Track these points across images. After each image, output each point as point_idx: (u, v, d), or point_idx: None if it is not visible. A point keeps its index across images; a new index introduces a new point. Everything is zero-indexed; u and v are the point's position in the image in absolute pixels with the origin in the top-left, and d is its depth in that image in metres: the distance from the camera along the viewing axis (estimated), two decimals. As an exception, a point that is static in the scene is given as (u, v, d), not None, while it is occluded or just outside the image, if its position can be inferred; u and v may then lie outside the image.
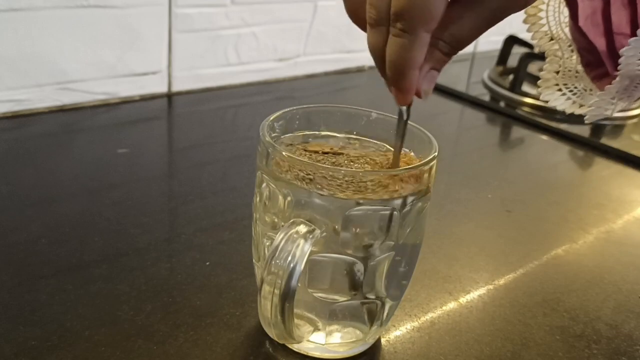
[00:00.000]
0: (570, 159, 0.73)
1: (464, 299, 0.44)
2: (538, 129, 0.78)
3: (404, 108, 0.31)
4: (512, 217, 0.56)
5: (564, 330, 0.41)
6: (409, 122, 0.33)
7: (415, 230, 0.34)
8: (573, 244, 0.53)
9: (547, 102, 0.39)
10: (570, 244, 0.52)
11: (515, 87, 0.87)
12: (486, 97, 0.89)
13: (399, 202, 0.32)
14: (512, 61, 0.94)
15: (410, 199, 0.32)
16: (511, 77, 0.90)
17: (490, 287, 0.45)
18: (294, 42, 0.86)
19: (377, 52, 0.29)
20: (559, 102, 0.39)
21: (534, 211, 0.58)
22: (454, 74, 0.94)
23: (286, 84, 0.87)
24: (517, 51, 0.94)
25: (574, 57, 0.38)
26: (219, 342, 0.37)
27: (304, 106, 0.37)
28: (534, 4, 0.40)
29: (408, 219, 0.32)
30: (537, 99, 0.85)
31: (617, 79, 0.33)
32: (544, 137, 0.77)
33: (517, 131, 0.80)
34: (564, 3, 0.38)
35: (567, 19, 0.38)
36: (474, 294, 0.44)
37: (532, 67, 0.90)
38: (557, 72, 0.39)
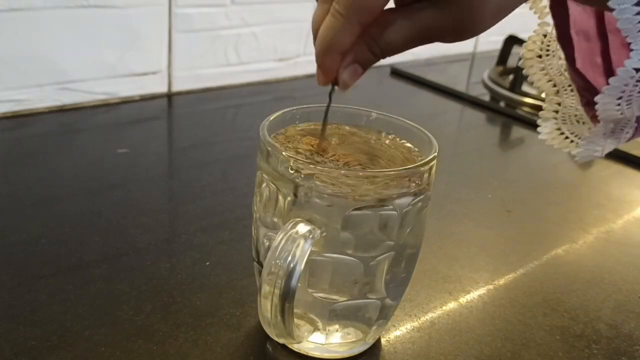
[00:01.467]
0: (570, 159, 0.73)
1: (464, 299, 0.44)
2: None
3: (331, 89, 0.32)
4: (512, 217, 0.56)
5: (564, 330, 0.41)
6: (411, 122, 0.33)
7: (415, 230, 0.34)
8: (573, 244, 0.53)
9: (545, 141, 0.40)
10: (570, 244, 0.52)
11: (515, 87, 0.87)
12: (486, 97, 0.89)
13: (399, 202, 0.32)
14: (512, 61, 0.94)
15: (410, 199, 0.32)
16: (511, 77, 0.90)
17: (490, 287, 0.45)
18: (294, 42, 0.86)
19: (315, 26, 0.30)
20: (556, 141, 0.40)
21: (534, 211, 0.58)
22: (454, 74, 0.94)
23: (286, 84, 0.87)
24: (517, 51, 0.94)
25: (574, 96, 0.39)
26: (219, 342, 0.37)
27: (304, 106, 0.37)
28: (530, 47, 0.40)
29: (408, 219, 0.32)
30: (537, 98, 0.85)
31: (601, 123, 0.33)
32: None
33: (517, 131, 0.80)
34: (560, 46, 0.38)
35: (564, 61, 0.38)
36: (474, 294, 0.44)
37: (520, 53, 0.90)
38: (557, 112, 0.40)
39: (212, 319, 0.39)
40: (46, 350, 0.35)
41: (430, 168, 0.33)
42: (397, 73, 0.94)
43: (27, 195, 0.51)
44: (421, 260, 0.37)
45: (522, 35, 0.96)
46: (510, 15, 0.29)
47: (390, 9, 0.29)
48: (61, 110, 0.69)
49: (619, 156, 0.71)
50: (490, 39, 1.02)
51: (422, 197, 0.33)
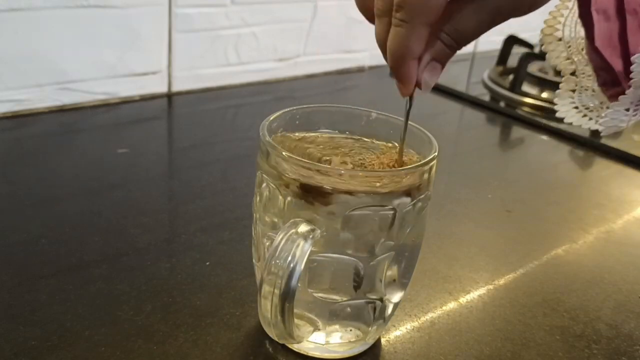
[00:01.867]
0: (570, 159, 0.73)
1: (464, 299, 0.44)
2: (538, 129, 0.78)
3: (407, 98, 0.32)
4: (512, 217, 0.56)
5: (564, 330, 0.41)
6: (411, 122, 0.33)
7: (415, 230, 0.34)
8: (573, 244, 0.53)
9: (563, 118, 0.40)
10: (570, 244, 0.52)
11: (515, 87, 0.87)
12: (486, 97, 0.89)
13: (399, 202, 0.32)
14: (512, 61, 0.94)
15: (410, 199, 0.32)
16: (511, 77, 0.90)
17: (490, 287, 0.45)
18: (294, 42, 0.86)
19: (382, 43, 0.29)
20: (575, 118, 0.39)
21: (534, 211, 0.58)
22: (454, 74, 0.94)
23: (286, 84, 0.87)
24: (517, 51, 0.94)
25: (591, 75, 0.39)
26: (219, 342, 0.37)
27: (304, 106, 0.37)
28: (550, 23, 0.40)
29: (408, 219, 0.32)
30: (537, 98, 0.85)
31: (631, 89, 0.33)
32: (544, 137, 0.77)
33: (517, 131, 0.80)
34: (580, 23, 0.38)
35: (583, 40, 0.38)
36: (474, 294, 0.44)
37: (532, 67, 0.90)
38: (573, 91, 0.40)
39: (212, 319, 0.39)
40: (46, 350, 0.35)
41: (430, 168, 0.33)
42: (397, 73, 0.94)
43: (27, 195, 0.51)
44: (421, 260, 0.37)
45: (522, 35, 0.96)
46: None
47: (454, 1, 0.28)
48: (61, 110, 0.69)
49: (618, 156, 0.71)
50: (491, 39, 1.02)
51: (422, 197, 0.33)
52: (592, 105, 0.39)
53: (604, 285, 0.47)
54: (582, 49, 0.39)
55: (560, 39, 0.40)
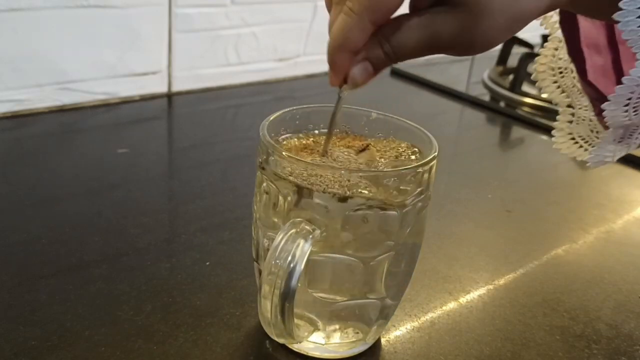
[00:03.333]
0: (570, 159, 0.73)
1: (464, 299, 0.44)
2: (538, 129, 0.78)
3: (340, 90, 0.32)
4: (512, 217, 0.56)
5: (564, 330, 0.41)
6: (411, 122, 0.33)
7: (415, 230, 0.34)
8: (573, 244, 0.53)
9: (560, 150, 0.41)
10: (570, 244, 0.52)
11: (515, 87, 0.87)
12: (486, 97, 0.89)
13: (399, 201, 0.32)
14: (512, 61, 0.94)
15: (410, 199, 0.32)
16: (511, 77, 0.90)
17: (490, 287, 0.45)
18: (294, 42, 0.86)
19: (330, 27, 0.30)
20: (571, 150, 0.40)
21: (534, 211, 0.58)
22: (454, 74, 0.94)
23: (286, 84, 0.87)
24: (517, 51, 0.94)
25: (587, 106, 0.39)
26: (219, 342, 0.37)
27: (304, 106, 0.37)
28: (542, 60, 0.40)
29: (408, 219, 0.32)
30: (537, 99, 0.85)
31: (610, 130, 0.34)
32: (544, 137, 0.77)
33: (517, 131, 0.80)
34: (570, 60, 0.38)
35: (576, 73, 0.39)
36: (474, 294, 0.44)
37: (532, 67, 0.90)
38: (570, 122, 0.40)
39: (212, 319, 0.39)
40: (46, 350, 0.35)
41: (430, 168, 0.33)
42: (397, 73, 0.94)
43: (27, 195, 0.51)
44: (421, 260, 0.37)
45: (521, 35, 0.96)
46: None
47: (406, 14, 0.29)
48: (61, 110, 0.69)
49: (619, 156, 0.71)
50: (490, 39, 1.02)
51: (422, 197, 0.33)
52: (589, 137, 0.40)
53: (604, 285, 0.47)
54: (577, 81, 0.40)
55: (554, 75, 0.41)
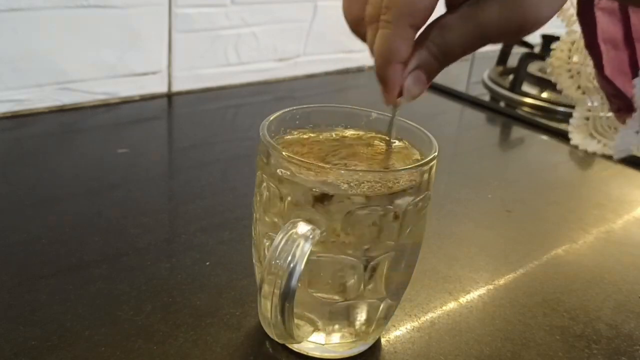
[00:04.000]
0: (570, 159, 0.73)
1: (464, 299, 0.44)
2: (538, 129, 0.78)
3: (392, 106, 0.31)
4: (512, 217, 0.56)
5: (564, 330, 0.41)
6: (411, 122, 0.33)
7: (415, 230, 0.34)
8: (573, 244, 0.53)
9: (577, 146, 0.40)
10: (570, 244, 0.52)
11: (515, 87, 0.87)
12: (486, 97, 0.89)
13: (399, 201, 0.32)
14: (512, 61, 0.94)
15: (410, 199, 0.32)
16: (511, 77, 0.90)
17: (490, 287, 0.45)
18: (294, 42, 0.86)
19: (371, 47, 0.29)
20: (590, 146, 0.40)
21: (534, 211, 0.58)
22: (454, 74, 0.94)
23: (286, 84, 0.87)
24: (517, 51, 0.94)
25: (604, 103, 0.39)
26: (219, 342, 0.37)
27: (304, 106, 0.37)
28: (558, 55, 0.40)
29: (408, 219, 0.32)
30: (537, 99, 0.85)
31: (638, 111, 0.33)
32: (544, 137, 0.77)
33: (517, 131, 0.80)
34: (588, 54, 0.38)
35: (592, 69, 0.38)
36: (474, 294, 0.44)
37: (532, 67, 0.90)
38: (587, 119, 0.40)
39: (212, 319, 0.39)
40: (46, 350, 0.35)
41: (430, 168, 0.33)
42: (397, 73, 0.94)
43: (27, 195, 0.51)
44: (421, 260, 0.37)
45: (522, 35, 0.96)
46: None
47: (446, 12, 0.28)
48: (61, 110, 0.69)
49: (619, 156, 0.71)
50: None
51: (422, 197, 0.33)
52: (605, 132, 0.39)
53: (604, 285, 0.47)
54: (593, 78, 0.39)
55: (570, 70, 0.40)
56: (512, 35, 0.28)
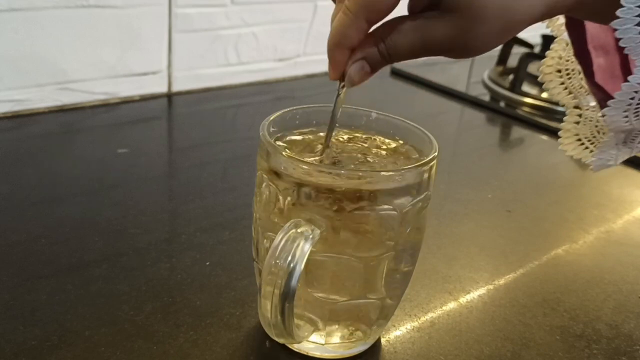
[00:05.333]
0: (570, 159, 0.73)
1: (464, 299, 0.44)
2: (538, 129, 0.78)
3: (338, 87, 0.32)
4: (512, 217, 0.56)
5: (564, 330, 0.41)
6: (411, 122, 0.33)
7: (415, 230, 0.34)
8: (573, 244, 0.53)
9: (565, 151, 0.41)
10: (570, 244, 0.52)
11: (515, 87, 0.87)
12: (486, 97, 0.89)
13: (399, 201, 0.32)
14: (512, 61, 0.94)
15: (410, 199, 0.32)
16: (511, 77, 0.90)
17: (490, 287, 0.45)
18: (294, 42, 0.86)
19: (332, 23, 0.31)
20: (577, 151, 0.40)
21: (534, 211, 0.58)
22: (454, 74, 0.94)
23: (286, 84, 0.87)
24: (517, 51, 0.94)
25: (595, 107, 0.39)
26: (219, 342, 0.37)
27: (304, 106, 0.37)
28: (549, 63, 0.40)
29: (408, 219, 0.32)
30: (537, 99, 0.85)
31: (611, 134, 0.34)
32: (544, 137, 0.77)
33: (517, 131, 0.80)
34: (577, 62, 0.38)
35: (583, 75, 0.39)
36: (474, 294, 0.44)
37: (532, 67, 0.90)
38: (577, 123, 0.40)
39: (212, 319, 0.39)
40: (46, 350, 0.35)
41: (430, 168, 0.33)
42: (397, 73, 0.94)
43: (27, 195, 0.51)
44: (421, 260, 0.37)
45: (522, 35, 0.96)
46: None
47: (403, 16, 0.29)
48: (61, 110, 0.69)
49: (619, 156, 0.71)
50: (490, 39, 1.02)
51: (422, 197, 0.33)
52: (595, 139, 0.39)
53: (604, 285, 0.47)
54: (585, 82, 0.39)
55: (560, 76, 0.41)
56: (454, 55, 0.30)
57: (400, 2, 0.28)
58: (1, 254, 0.43)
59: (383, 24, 0.30)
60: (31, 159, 0.58)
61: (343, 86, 0.32)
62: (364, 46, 0.30)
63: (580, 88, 0.40)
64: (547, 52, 0.41)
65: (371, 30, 0.30)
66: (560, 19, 0.39)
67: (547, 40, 0.90)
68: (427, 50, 0.29)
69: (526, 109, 0.85)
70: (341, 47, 0.30)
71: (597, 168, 0.37)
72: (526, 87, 0.87)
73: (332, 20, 0.30)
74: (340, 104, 0.33)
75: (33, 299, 0.39)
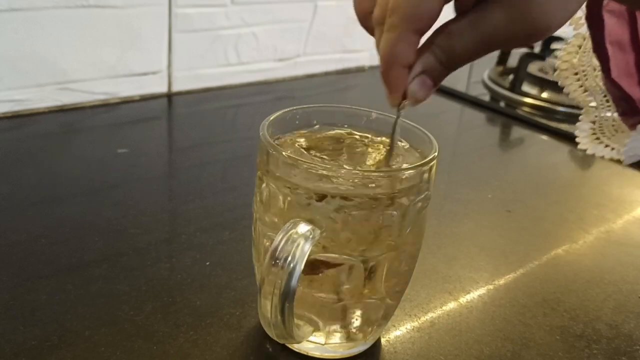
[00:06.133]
0: (570, 159, 0.73)
1: (464, 299, 0.44)
2: (538, 129, 0.78)
3: (400, 107, 0.31)
4: (512, 217, 0.56)
5: (564, 330, 0.41)
6: (411, 122, 0.33)
7: (415, 230, 0.34)
8: (573, 244, 0.53)
9: (585, 150, 0.40)
10: (570, 244, 0.52)
11: (515, 87, 0.87)
12: (486, 97, 0.89)
13: (399, 201, 0.32)
14: (512, 61, 0.94)
15: (410, 199, 0.32)
16: (511, 77, 0.90)
17: (490, 287, 0.45)
18: (294, 42, 0.86)
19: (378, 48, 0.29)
20: (597, 149, 0.40)
21: (534, 211, 0.58)
22: (454, 74, 0.94)
23: (286, 84, 0.87)
24: (517, 51, 0.94)
25: (610, 105, 0.39)
26: (219, 342, 0.37)
27: (304, 106, 0.37)
28: (565, 58, 0.40)
29: (408, 219, 0.32)
30: (537, 98, 0.85)
31: None
32: (544, 137, 0.77)
33: (517, 131, 0.80)
34: (595, 57, 0.38)
35: (599, 72, 0.38)
36: (474, 294, 0.44)
37: (532, 67, 0.90)
38: (594, 122, 0.40)
39: (212, 319, 0.39)
40: (46, 350, 0.35)
41: (430, 168, 0.33)
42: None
43: (27, 195, 0.51)
44: (421, 260, 0.37)
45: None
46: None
47: (453, 18, 0.28)
48: (61, 110, 0.69)
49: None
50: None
51: (422, 197, 0.33)
52: (612, 135, 0.39)
53: (604, 285, 0.47)
54: (600, 81, 0.39)
55: (576, 73, 0.40)
56: (520, 42, 0.27)
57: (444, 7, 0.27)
58: (1, 254, 0.43)
59: (434, 32, 0.28)
60: (31, 159, 0.58)
61: (403, 106, 0.30)
62: (420, 59, 0.28)
63: (596, 86, 0.40)
64: (563, 47, 0.40)
65: (423, 41, 0.28)
66: (579, 12, 0.39)
67: (547, 40, 0.90)
68: (489, 46, 0.27)
69: (526, 109, 0.85)
70: (397, 67, 0.28)
71: (630, 160, 0.37)
72: (526, 87, 0.87)
73: (377, 46, 0.29)
74: (398, 125, 0.32)
75: (33, 299, 0.39)
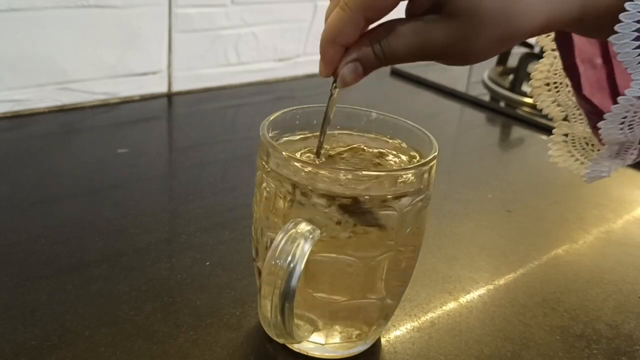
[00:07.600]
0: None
1: (464, 299, 0.44)
2: (538, 129, 0.78)
3: (331, 88, 0.32)
4: (512, 217, 0.56)
5: (564, 330, 0.41)
6: (411, 122, 0.33)
7: (415, 230, 0.34)
8: (573, 244, 0.53)
9: (556, 164, 0.41)
10: (570, 244, 0.52)
11: (515, 87, 0.87)
12: (486, 97, 0.89)
13: (399, 201, 0.32)
14: (512, 61, 0.94)
15: (410, 199, 0.32)
16: (511, 77, 0.90)
17: (490, 287, 0.45)
18: (294, 42, 0.86)
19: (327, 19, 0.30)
20: (568, 163, 0.41)
21: (534, 211, 0.58)
22: (454, 74, 0.94)
23: (286, 84, 0.87)
24: (517, 51, 0.94)
25: (583, 119, 0.40)
26: (219, 342, 0.37)
27: (304, 106, 0.37)
28: (538, 76, 0.41)
29: (408, 219, 0.32)
30: (537, 99, 0.85)
31: (606, 146, 0.34)
32: (544, 137, 0.77)
33: (517, 131, 0.80)
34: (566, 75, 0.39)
35: (571, 87, 0.39)
36: (474, 294, 0.44)
37: (532, 67, 0.90)
38: (566, 135, 0.41)
39: (212, 319, 0.39)
40: (46, 350, 0.35)
41: (430, 168, 0.33)
42: (397, 73, 0.94)
43: (27, 195, 0.51)
44: (421, 260, 0.37)
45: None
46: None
47: (401, 18, 0.29)
48: (61, 110, 0.69)
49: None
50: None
51: (422, 197, 0.33)
52: (584, 151, 0.40)
53: (604, 285, 0.47)
54: (572, 95, 0.40)
55: (549, 88, 0.41)
56: (453, 62, 0.29)
57: (399, 5, 0.28)
58: (1, 254, 0.43)
59: (380, 25, 0.29)
60: (31, 159, 0.58)
61: (336, 86, 0.31)
62: (359, 46, 0.29)
63: (569, 101, 0.41)
64: (536, 66, 0.42)
65: (367, 30, 0.29)
66: (550, 34, 0.40)
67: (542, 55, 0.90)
68: (424, 54, 0.29)
69: (526, 109, 0.85)
70: (335, 44, 0.29)
71: (591, 180, 0.38)
72: (526, 87, 0.87)
73: (327, 15, 0.30)
74: (333, 104, 0.33)
75: (33, 299, 0.39)
